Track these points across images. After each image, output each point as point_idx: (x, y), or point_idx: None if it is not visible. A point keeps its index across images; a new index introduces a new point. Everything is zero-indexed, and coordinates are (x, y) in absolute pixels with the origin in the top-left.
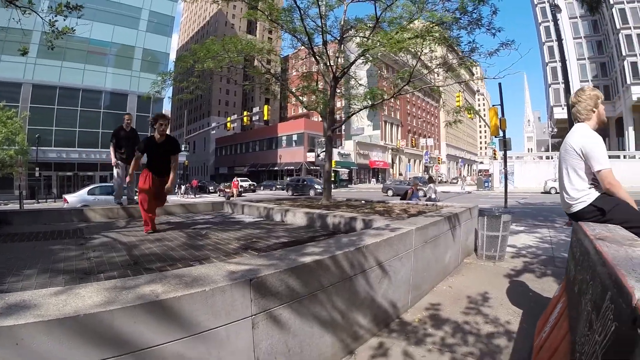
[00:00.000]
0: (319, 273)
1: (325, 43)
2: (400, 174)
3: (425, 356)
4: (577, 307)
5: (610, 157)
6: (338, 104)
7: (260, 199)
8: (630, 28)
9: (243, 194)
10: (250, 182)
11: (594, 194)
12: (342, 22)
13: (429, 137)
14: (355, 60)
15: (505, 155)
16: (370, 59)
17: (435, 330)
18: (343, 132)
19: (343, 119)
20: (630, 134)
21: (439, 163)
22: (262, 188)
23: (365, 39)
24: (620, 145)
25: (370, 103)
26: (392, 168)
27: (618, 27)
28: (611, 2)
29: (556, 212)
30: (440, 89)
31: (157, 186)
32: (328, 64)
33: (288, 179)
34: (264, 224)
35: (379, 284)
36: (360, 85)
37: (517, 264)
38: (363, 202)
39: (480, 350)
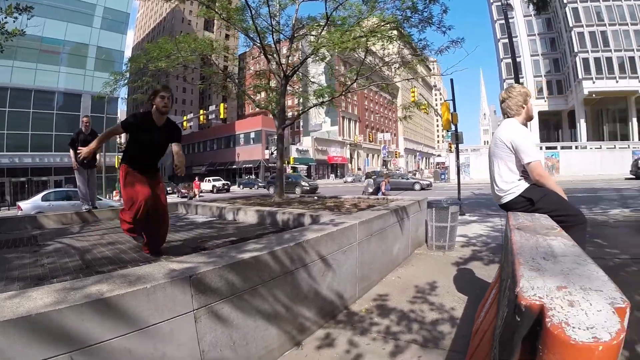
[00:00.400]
0: (258, 268)
1: (277, 42)
2: (359, 169)
3: (369, 344)
4: (502, 293)
5: (562, 147)
6: (290, 102)
7: (214, 199)
8: (582, 26)
9: (200, 195)
10: (224, 182)
11: (523, 185)
12: (293, 21)
13: (387, 131)
14: (306, 59)
15: (457, 148)
16: (325, 56)
17: (381, 320)
18: (301, 129)
19: (299, 116)
20: (581, 126)
21: (396, 157)
22: (241, 187)
23: (315, 38)
24: (572, 137)
25: (319, 101)
26: (351, 163)
27: (571, 25)
28: (564, 1)
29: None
30: (398, 84)
31: (153, 193)
32: (279, 63)
33: (270, 175)
34: (216, 224)
35: (322, 276)
36: (313, 82)
37: (466, 252)
38: (315, 198)
39: (424, 337)
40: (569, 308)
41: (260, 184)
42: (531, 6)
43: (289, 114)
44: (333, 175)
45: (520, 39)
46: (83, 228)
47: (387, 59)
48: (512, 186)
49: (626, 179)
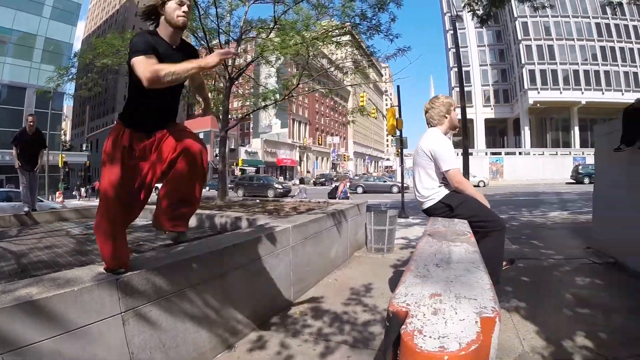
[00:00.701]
0: (185, 271)
1: (226, 43)
2: (308, 172)
3: (301, 345)
4: None
5: (507, 153)
6: (240, 104)
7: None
8: (530, 39)
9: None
10: None
11: (443, 192)
12: (242, 23)
13: (336, 135)
14: (251, 62)
15: (401, 153)
16: (270, 60)
17: (314, 322)
18: (251, 130)
19: (247, 118)
20: (526, 133)
21: (345, 160)
22: (206, 188)
23: (262, 41)
24: (517, 143)
25: (262, 105)
26: (300, 166)
27: (520, 38)
28: (515, 15)
29: None
30: (349, 88)
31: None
32: (225, 65)
33: (238, 176)
34: None
35: (254, 280)
36: (259, 85)
37: (404, 255)
38: (257, 201)
39: (355, 337)
40: (431, 316)
41: (229, 185)
42: (474, 19)
43: (238, 116)
44: (282, 177)
45: (470, 50)
46: (21, 231)
47: (337, 63)
48: (432, 192)
49: (567, 183)
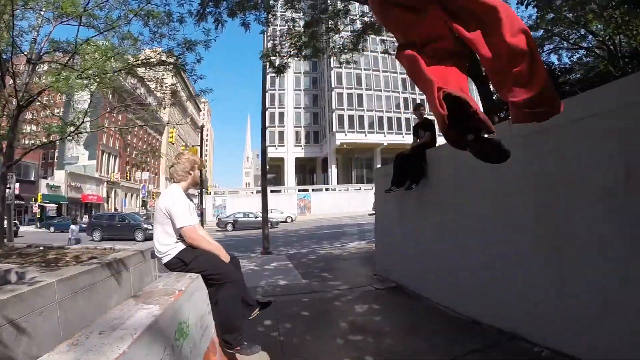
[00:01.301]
0: None
1: (27, 63)
2: (116, 209)
3: None
4: None
5: (314, 190)
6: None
7: None
8: (343, 88)
9: None
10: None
11: (179, 247)
12: (43, 44)
13: (147, 170)
14: (43, 90)
15: (200, 192)
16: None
17: None
18: (55, 161)
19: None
20: (333, 171)
21: (153, 198)
22: (51, 229)
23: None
24: (325, 180)
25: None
26: (107, 203)
27: (333, 85)
28: (331, 65)
29: (257, 242)
30: (165, 120)
31: None
32: (15, 89)
33: (93, 215)
34: None
35: (15, 342)
36: (56, 115)
37: None
38: (42, 248)
39: None
40: None
41: (83, 225)
42: (270, 68)
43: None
44: (87, 216)
45: (287, 93)
46: None
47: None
48: (169, 248)
49: (369, 214)
